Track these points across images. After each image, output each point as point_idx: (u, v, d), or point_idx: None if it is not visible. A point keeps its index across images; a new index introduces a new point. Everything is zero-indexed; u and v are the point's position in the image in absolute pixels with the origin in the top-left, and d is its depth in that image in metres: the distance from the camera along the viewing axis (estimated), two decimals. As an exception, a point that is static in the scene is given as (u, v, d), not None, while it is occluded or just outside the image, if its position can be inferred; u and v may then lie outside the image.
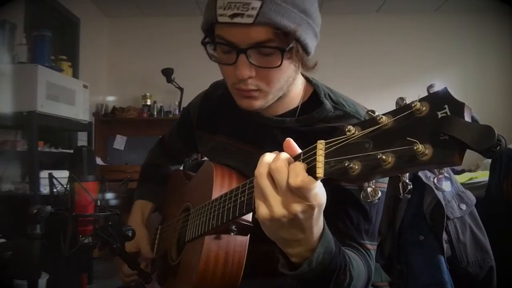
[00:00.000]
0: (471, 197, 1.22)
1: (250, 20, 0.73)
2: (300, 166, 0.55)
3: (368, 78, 4.67)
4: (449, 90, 0.44)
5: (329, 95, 0.92)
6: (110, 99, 4.88)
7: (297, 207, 0.56)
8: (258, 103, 0.84)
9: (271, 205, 0.57)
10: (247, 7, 0.73)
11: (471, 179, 2.85)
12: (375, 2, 4.65)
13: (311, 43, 0.82)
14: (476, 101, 4.30)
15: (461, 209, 1.17)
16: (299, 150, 0.59)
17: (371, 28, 4.87)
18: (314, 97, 0.93)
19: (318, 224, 0.61)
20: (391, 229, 1.28)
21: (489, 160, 2.38)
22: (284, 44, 0.77)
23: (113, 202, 0.93)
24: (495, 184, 1.92)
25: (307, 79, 0.97)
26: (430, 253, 1.15)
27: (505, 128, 4.13)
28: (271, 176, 0.57)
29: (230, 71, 0.81)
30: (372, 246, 0.84)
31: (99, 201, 0.92)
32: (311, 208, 0.56)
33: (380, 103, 1.05)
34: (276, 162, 0.57)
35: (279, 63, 0.77)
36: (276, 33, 0.75)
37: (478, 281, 1.16)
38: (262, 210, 0.58)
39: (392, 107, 0.49)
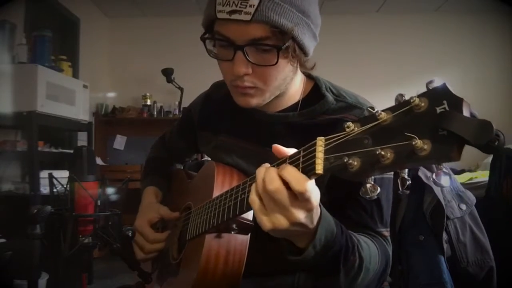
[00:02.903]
0: (471, 197, 1.22)
1: (248, 17, 0.74)
2: (299, 173, 0.57)
3: (368, 78, 4.66)
4: (448, 85, 0.44)
5: (330, 88, 0.93)
6: (110, 99, 4.88)
7: (300, 215, 0.58)
8: (255, 101, 0.85)
9: (274, 220, 0.59)
10: (245, 4, 0.74)
11: (471, 179, 2.85)
12: (375, 2, 4.65)
13: (309, 43, 0.82)
14: (476, 101, 4.28)
15: (461, 209, 1.17)
16: (290, 151, 0.62)
17: (371, 28, 4.87)
18: (315, 91, 0.94)
19: (317, 213, 0.62)
20: (391, 229, 1.28)
21: (489, 160, 2.38)
22: (281, 42, 0.77)
23: (114, 198, 0.93)
24: (495, 184, 1.92)
25: (307, 75, 0.97)
26: (430, 253, 1.15)
27: (505, 128, 4.12)
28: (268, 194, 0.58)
29: (228, 68, 0.82)
30: (387, 233, 0.86)
31: (99, 201, 0.92)
32: (311, 210, 0.58)
33: (379, 103, 1.05)
34: (273, 183, 0.57)
35: (275, 61, 0.78)
36: (273, 31, 0.76)
37: (478, 281, 1.16)
38: (266, 223, 0.60)
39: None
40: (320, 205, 0.63)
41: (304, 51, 0.82)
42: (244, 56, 0.78)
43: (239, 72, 0.79)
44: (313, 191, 0.57)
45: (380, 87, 4.67)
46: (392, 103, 0.50)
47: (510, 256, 1.35)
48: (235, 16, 0.74)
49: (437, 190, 1.15)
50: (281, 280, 0.92)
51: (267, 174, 0.59)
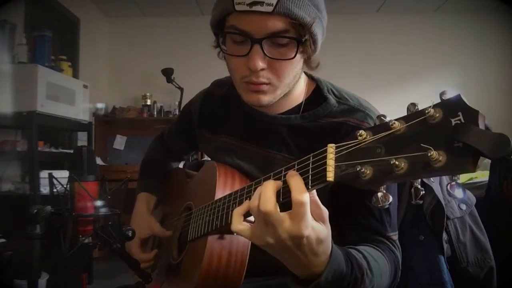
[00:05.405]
0: (471, 197, 1.22)
1: (270, 9, 0.73)
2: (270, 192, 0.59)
3: (368, 78, 4.66)
4: (462, 97, 0.44)
5: (332, 91, 0.92)
6: (110, 99, 4.88)
7: (283, 234, 0.57)
8: (266, 99, 0.83)
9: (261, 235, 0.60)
10: None
11: (471, 179, 2.84)
12: (375, 2, 4.65)
13: (320, 39, 0.83)
14: (476, 101, 4.28)
15: (461, 209, 1.17)
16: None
17: (371, 28, 4.87)
18: (317, 93, 0.93)
19: (320, 250, 0.60)
20: (391, 229, 1.28)
21: (489, 160, 2.38)
22: (299, 36, 0.77)
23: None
24: (495, 184, 1.92)
25: (309, 76, 0.97)
26: (430, 253, 1.15)
27: (505, 128, 4.13)
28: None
29: (241, 63, 0.80)
30: (396, 236, 0.85)
31: (99, 201, 0.92)
32: (299, 238, 0.57)
33: (379, 103, 1.05)
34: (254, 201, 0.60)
35: (293, 54, 0.78)
36: (293, 24, 0.76)
37: (478, 281, 1.16)
38: (257, 241, 0.62)
39: (392, 106, 0.49)
40: (332, 246, 0.62)
41: (316, 46, 0.82)
42: (262, 50, 0.77)
43: (257, 66, 0.77)
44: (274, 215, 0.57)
45: (380, 87, 4.68)
46: (391, 102, 0.50)
47: (510, 256, 1.35)
48: (256, 8, 0.73)
49: (437, 190, 1.15)
50: (281, 280, 0.92)
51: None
